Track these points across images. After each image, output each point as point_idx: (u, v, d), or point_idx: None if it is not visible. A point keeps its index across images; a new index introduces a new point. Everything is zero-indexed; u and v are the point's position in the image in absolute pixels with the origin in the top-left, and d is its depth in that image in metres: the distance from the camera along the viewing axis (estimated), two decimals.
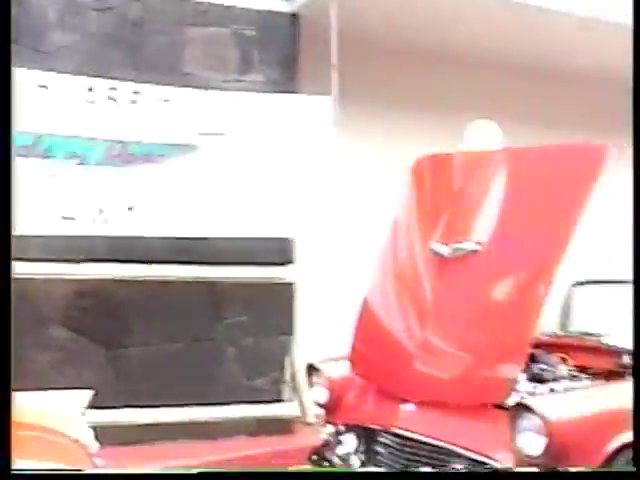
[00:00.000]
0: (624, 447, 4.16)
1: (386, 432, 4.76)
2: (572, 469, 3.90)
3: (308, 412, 6.78)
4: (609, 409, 4.28)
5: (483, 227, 4.83)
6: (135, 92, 6.03)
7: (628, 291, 5.91)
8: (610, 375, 5.22)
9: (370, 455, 4.85)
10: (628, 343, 5.30)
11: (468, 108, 6.14)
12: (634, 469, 3.61)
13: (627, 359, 5.24)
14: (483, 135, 5.26)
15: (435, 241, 4.95)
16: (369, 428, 4.86)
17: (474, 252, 4.74)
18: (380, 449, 4.82)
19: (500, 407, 4.46)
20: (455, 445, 4.36)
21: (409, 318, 5.02)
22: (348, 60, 6.59)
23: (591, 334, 5.78)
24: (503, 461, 4.16)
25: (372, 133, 7.87)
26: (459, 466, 4.28)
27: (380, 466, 4.76)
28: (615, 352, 5.35)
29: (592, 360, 5.40)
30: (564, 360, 5.34)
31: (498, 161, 5.03)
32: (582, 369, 5.28)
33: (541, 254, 4.63)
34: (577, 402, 4.32)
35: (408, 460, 4.58)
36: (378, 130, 7.96)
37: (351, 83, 6.60)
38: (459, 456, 4.33)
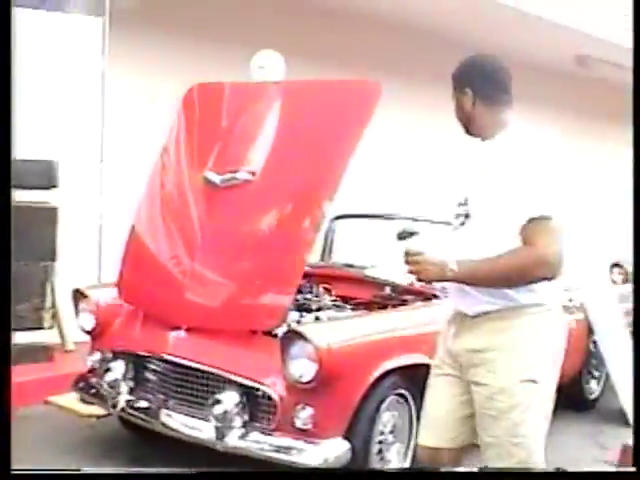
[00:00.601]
0: (387, 373, 4.41)
1: (155, 358, 4.74)
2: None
3: (68, 339, 6.62)
4: (375, 338, 4.51)
5: (256, 157, 4.88)
6: None
7: (390, 225, 6.22)
8: (371, 305, 5.48)
9: (139, 382, 4.82)
10: (390, 275, 5.59)
11: (251, 40, 6.15)
12: (634, 469, 3.58)
13: (388, 290, 5.51)
14: (267, 66, 5.28)
15: (208, 169, 4.94)
16: (138, 355, 4.82)
17: (247, 182, 4.79)
18: (150, 375, 4.80)
19: (272, 335, 4.58)
20: (225, 371, 4.41)
21: (177, 247, 5.02)
22: None
23: (353, 266, 6.03)
24: (274, 386, 4.27)
25: (146, 62, 7.67)
26: (231, 392, 4.34)
27: (150, 393, 4.74)
28: (377, 284, 5.62)
29: (355, 291, 5.63)
30: (328, 290, 5.54)
31: (273, 93, 5.09)
32: (345, 299, 5.50)
33: (312, 187, 4.77)
34: (345, 330, 4.50)
35: (178, 386, 4.60)
36: (153, 58, 7.77)
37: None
38: (230, 382, 4.39)
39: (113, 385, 4.78)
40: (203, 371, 4.50)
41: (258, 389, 4.33)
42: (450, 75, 3.35)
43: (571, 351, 6.44)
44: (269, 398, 4.30)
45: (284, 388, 4.26)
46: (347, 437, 4.29)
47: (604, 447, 6.05)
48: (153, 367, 4.78)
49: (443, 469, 3.39)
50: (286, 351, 4.23)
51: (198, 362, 4.52)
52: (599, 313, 6.48)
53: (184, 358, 4.57)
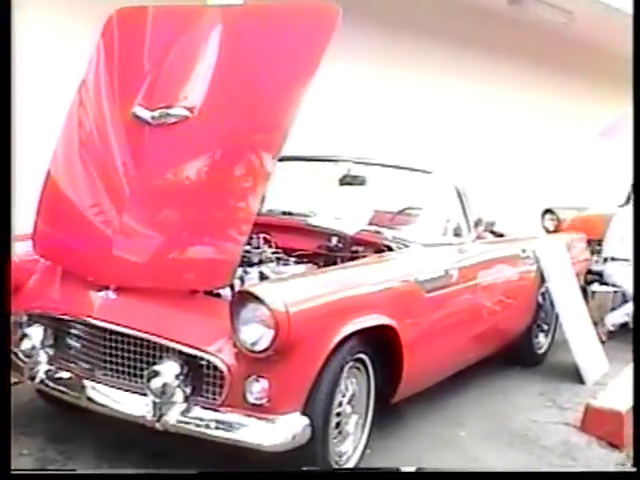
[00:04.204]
0: (346, 338, 3.90)
1: (79, 322, 4.12)
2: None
3: None
4: (334, 297, 3.99)
5: (194, 92, 4.25)
6: None
7: (333, 170, 5.69)
8: (316, 257, 4.95)
9: (60, 349, 4.20)
10: (335, 224, 5.06)
11: None
12: (634, 469, 3.59)
13: (335, 241, 4.99)
14: None
15: (137, 105, 4.29)
16: (58, 318, 4.19)
17: (183, 119, 4.16)
18: (72, 342, 4.18)
19: (215, 295, 4.01)
20: (163, 337, 3.83)
21: (100, 194, 4.37)
22: None
23: (293, 214, 5.47)
24: (221, 355, 3.71)
25: None
26: (171, 362, 3.76)
27: (73, 362, 4.14)
28: (322, 234, 5.09)
29: (297, 242, 5.08)
30: (267, 241, 4.96)
31: (212, 17, 4.44)
32: (287, 251, 4.95)
33: (260, 125, 4.15)
34: (302, 289, 3.94)
35: (106, 355, 3.99)
36: None
37: None
38: (168, 350, 3.82)
39: (30, 354, 4.15)
40: (136, 337, 3.90)
41: (202, 358, 3.76)
42: None
43: (523, 303, 6.21)
44: (215, 368, 3.74)
45: (233, 357, 3.70)
46: (304, 412, 3.77)
47: (562, 407, 5.71)
48: (76, 332, 4.16)
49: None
50: (236, 315, 3.66)
51: (130, 327, 3.91)
52: (551, 262, 6.11)
53: (113, 323, 3.96)
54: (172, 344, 3.80)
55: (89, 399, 3.98)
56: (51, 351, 4.19)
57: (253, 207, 4.03)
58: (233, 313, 3.66)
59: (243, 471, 3.68)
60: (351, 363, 4.08)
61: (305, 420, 3.75)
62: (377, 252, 4.89)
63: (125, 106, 4.40)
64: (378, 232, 5.06)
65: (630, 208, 8.05)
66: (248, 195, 4.06)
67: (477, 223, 5.44)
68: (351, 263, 4.59)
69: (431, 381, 5.01)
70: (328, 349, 3.80)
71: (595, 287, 7.87)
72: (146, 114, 4.19)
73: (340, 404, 4.06)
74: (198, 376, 3.78)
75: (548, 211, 10.56)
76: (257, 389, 3.66)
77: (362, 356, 4.17)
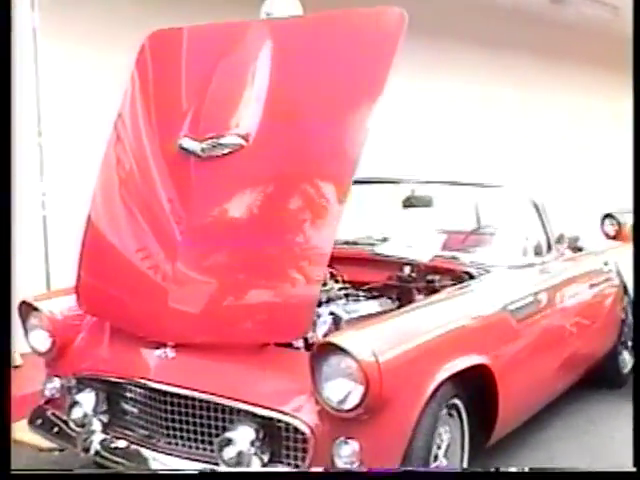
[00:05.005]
0: (440, 385, 3.42)
1: (135, 385, 3.66)
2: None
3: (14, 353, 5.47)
4: (424, 339, 3.50)
5: (247, 117, 3.77)
6: None
7: (396, 192, 5.22)
8: (388, 290, 4.47)
9: (116, 415, 3.74)
10: (406, 251, 4.59)
11: None
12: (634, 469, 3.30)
13: (407, 270, 4.51)
14: (278, 12, 4.14)
15: (183, 136, 3.84)
16: (111, 381, 3.73)
17: (237, 149, 3.70)
18: (128, 407, 3.73)
19: (290, 346, 3.54)
20: (232, 399, 3.36)
21: (148, 239, 3.92)
22: None
23: (358, 243, 4.99)
24: (303, 415, 3.23)
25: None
26: (244, 427, 3.29)
27: (131, 429, 3.68)
28: (392, 263, 4.60)
29: (365, 274, 4.60)
30: (333, 276, 4.47)
31: (260, 33, 3.96)
32: (355, 285, 4.47)
33: (324, 150, 3.68)
34: (390, 333, 3.45)
35: (167, 420, 3.53)
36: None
37: None
38: (241, 413, 3.34)
39: (82, 422, 3.70)
40: (202, 400, 3.43)
41: (280, 420, 3.28)
42: None
43: (609, 321, 5.69)
44: (296, 431, 3.26)
45: (316, 417, 3.22)
46: None
47: None
48: (132, 396, 3.70)
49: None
50: (318, 369, 3.19)
51: (194, 389, 3.44)
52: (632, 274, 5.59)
53: (174, 384, 3.49)
54: (244, 406, 3.33)
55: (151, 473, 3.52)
56: (105, 418, 3.74)
57: (329, 238, 3.53)
58: (314, 367, 3.19)
59: (243, 471, 3.24)
60: (445, 410, 3.59)
61: None
62: (455, 279, 4.41)
63: (167, 139, 3.98)
64: (454, 257, 4.58)
65: None
66: (319, 230, 3.57)
67: (559, 239, 4.93)
68: (435, 297, 4.08)
69: (524, 418, 4.51)
70: (424, 399, 3.33)
71: None
72: (195, 146, 3.75)
73: (436, 457, 3.56)
74: (277, 440, 3.30)
75: (608, 215, 10.03)
76: (347, 452, 3.18)
77: (455, 401, 3.69)
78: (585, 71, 11.26)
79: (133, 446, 3.63)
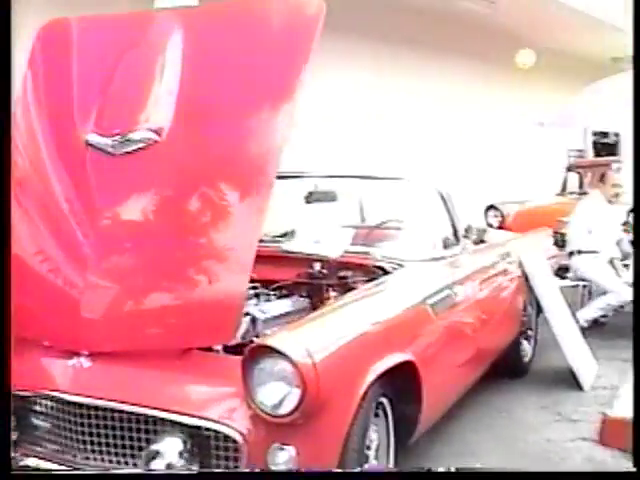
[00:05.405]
0: (376, 381, 3.33)
1: (45, 398, 3.41)
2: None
3: None
4: (354, 337, 3.39)
5: (158, 110, 3.58)
6: None
7: (298, 187, 5.09)
8: (298, 288, 4.36)
9: (24, 431, 3.48)
10: (314, 247, 4.48)
11: None
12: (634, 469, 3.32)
13: (318, 267, 4.40)
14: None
15: (90, 132, 3.62)
16: (17, 395, 3.47)
17: (150, 144, 3.50)
18: (39, 422, 3.48)
19: (214, 350, 3.38)
20: (157, 409, 3.17)
21: (49, 243, 3.67)
22: None
23: (264, 240, 4.83)
24: (231, 422, 3.08)
25: None
26: (172, 438, 3.11)
27: (38, 444, 3.44)
28: (301, 260, 4.48)
29: (273, 272, 4.46)
30: None
31: (167, 23, 3.77)
32: (263, 283, 4.33)
33: (247, 144, 3.52)
34: (320, 333, 3.33)
35: (85, 434, 3.30)
36: None
37: None
38: (163, 422, 3.15)
39: None
40: (123, 411, 3.22)
41: (209, 429, 3.11)
42: None
43: (513, 311, 5.72)
44: (226, 439, 3.09)
45: (249, 423, 3.07)
46: None
47: (571, 419, 5.23)
48: (43, 410, 3.46)
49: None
50: (251, 373, 3.03)
51: (115, 400, 3.23)
52: (535, 265, 5.66)
53: (89, 395, 3.28)
54: (169, 415, 3.15)
55: None
56: (14, 435, 3.48)
57: (253, 237, 3.39)
58: (246, 371, 3.03)
59: (243, 471, 3.09)
60: (373, 410, 3.50)
61: None
62: (367, 274, 4.32)
63: (66, 137, 3.73)
64: (366, 252, 4.49)
65: (591, 198, 7.66)
66: (237, 230, 3.41)
67: (467, 231, 4.92)
68: (355, 294, 3.97)
69: (444, 412, 4.46)
70: (357, 400, 3.23)
71: (563, 283, 7.43)
72: (104, 142, 3.52)
73: (367, 459, 3.46)
74: (205, 449, 3.13)
75: (491, 207, 10.22)
76: (283, 459, 3.04)
77: (382, 399, 3.59)
78: (464, 63, 11.46)
79: (45, 463, 3.39)
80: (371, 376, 3.31)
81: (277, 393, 3.00)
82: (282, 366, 2.99)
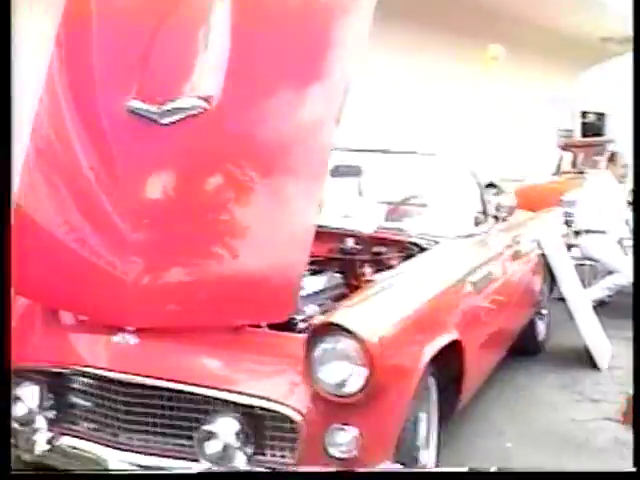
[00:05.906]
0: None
1: (85, 375, 3.28)
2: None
3: None
4: (412, 315, 3.30)
5: (207, 77, 3.41)
6: None
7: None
8: (331, 264, 4.25)
9: (63, 411, 3.35)
10: (347, 223, 4.38)
11: None
12: (634, 469, 3.16)
13: (351, 242, 4.29)
14: None
15: (132, 98, 3.44)
16: (57, 372, 3.34)
17: (198, 113, 3.34)
18: (79, 400, 3.34)
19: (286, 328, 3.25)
20: (213, 388, 3.04)
21: (94, 217, 3.48)
22: None
23: None
24: (291, 401, 2.97)
25: None
26: (227, 418, 2.99)
27: (75, 423, 3.32)
28: (333, 235, 4.37)
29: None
30: None
31: None
32: None
33: (304, 110, 3.39)
34: (379, 311, 3.22)
35: (129, 414, 3.18)
36: None
37: None
38: (221, 403, 3.03)
39: (26, 420, 3.30)
40: (173, 390, 3.10)
41: (265, 408, 2.99)
42: None
43: (534, 289, 5.66)
44: (283, 420, 2.98)
45: (308, 402, 2.96)
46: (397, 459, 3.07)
47: (593, 399, 5.19)
48: (84, 388, 3.33)
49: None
50: (314, 351, 2.92)
51: (166, 379, 3.10)
52: (553, 245, 5.59)
53: (135, 373, 3.15)
54: (224, 394, 3.03)
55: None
56: (52, 414, 3.34)
57: (313, 211, 3.25)
58: (309, 349, 2.92)
59: (243, 471, 3.00)
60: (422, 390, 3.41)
61: (399, 468, 3.04)
62: (403, 251, 4.23)
63: (114, 102, 3.52)
64: (399, 229, 4.39)
65: (601, 177, 7.60)
66: (303, 202, 3.28)
67: (497, 208, 4.83)
68: (398, 270, 3.87)
69: (478, 387, 4.39)
70: (416, 380, 3.14)
71: None
72: (151, 109, 3.34)
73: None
74: (262, 430, 3.02)
75: (490, 185, 10.13)
76: (344, 440, 2.93)
77: (430, 378, 3.50)
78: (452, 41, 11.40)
79: (86, 443, 3.27)
80: (427, 355, 3.22)
81: (341, 372, 2.89)
82: (346, 344, 2.88)
